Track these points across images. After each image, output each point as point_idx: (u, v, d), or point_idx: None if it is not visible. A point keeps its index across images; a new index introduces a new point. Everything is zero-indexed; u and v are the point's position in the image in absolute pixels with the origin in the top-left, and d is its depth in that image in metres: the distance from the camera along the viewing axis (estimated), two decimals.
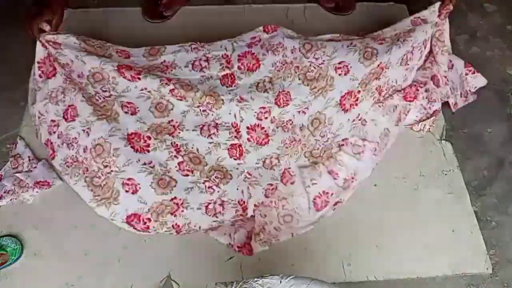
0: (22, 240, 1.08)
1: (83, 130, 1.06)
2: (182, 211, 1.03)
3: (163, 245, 1.09)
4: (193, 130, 1.08)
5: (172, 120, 1.09)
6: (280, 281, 0.73)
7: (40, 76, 1.13)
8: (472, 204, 1.17)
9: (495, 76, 1.42)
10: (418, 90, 1.18)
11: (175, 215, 1.03)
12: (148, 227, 1.03)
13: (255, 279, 0.73)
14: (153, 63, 1.15)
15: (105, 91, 1.09)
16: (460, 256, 1.09)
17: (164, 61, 1.15)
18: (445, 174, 1.21)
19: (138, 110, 1.09)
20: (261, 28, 1.18)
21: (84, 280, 1.04)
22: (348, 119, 1.14)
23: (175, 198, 1.03)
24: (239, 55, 1.14)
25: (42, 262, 1.06)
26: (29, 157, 1.20)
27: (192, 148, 1.08)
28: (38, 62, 1.12)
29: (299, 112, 1.12)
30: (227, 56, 1.14)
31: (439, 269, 1.07)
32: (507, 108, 1.36)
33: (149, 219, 1.02)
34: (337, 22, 1.55)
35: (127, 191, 1.02)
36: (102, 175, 1.04)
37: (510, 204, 1.19)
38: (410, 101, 1.17)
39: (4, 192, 1.13)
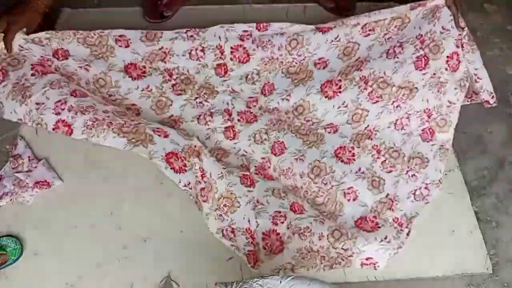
0: (22, 240, 1.08)
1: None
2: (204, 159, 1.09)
3: (163, 245, 1.09)
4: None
5: (162, 47, 1.23)
6: (280, 281, 0.73)
7: (33, 75, 1.11)
8: (472, 204, 1.17)
9: (495, 76, 1.41)
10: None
11: (201, 160, 1.08)
12: (185, 165, 1.05)
13: (255, 279, 0.73)
14: (151, 48, 1.23)
15: (111, 95, 1.21)
16: (460, 256, 1.09)
17: (162, 47, 1.23)
18: (445, 174, 1.21)
19: (141, 110, 1.23)
20: (254, 24, 1.24)
21: (84, 280, 1.04)
22: (333, 106, 1.21)
23: (195, 145, 1.11)
24: (231, 47, 1.25)
25: (42, 262, 1.06)
26: (29, 157, 1.20)
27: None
28: (32, 65, 1.13)
29: (282, 99, 1.25)
30: (221, 46, 1.24)
31: (439, 269, 1.07)
32: (507, 108, 1.36)
33: (184, 157, 1.05)
34: None
35: (159, 136, 1.07)
36: (131, 125, 1.06)
37: (510, 204, 1.19)
38: None
39: (4, 193, 1.13)
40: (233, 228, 1.06)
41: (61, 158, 1.22)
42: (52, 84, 1.09)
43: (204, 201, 1.05)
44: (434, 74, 1.17)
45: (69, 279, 1.04)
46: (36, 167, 1.18)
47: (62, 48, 1.18)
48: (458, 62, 1.17)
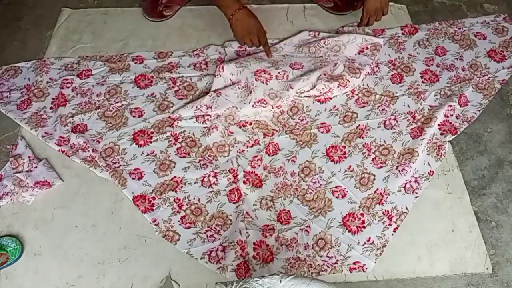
0: (22, 240, 1.08)
1: (93, 140, 1.24)
2: (182, 187, 1.16)
3: (163, 245, 1.09)
4: (190, 119, 1.29)
5: (171, 116, 1.30)
6: (280, 281, 0.73)
7: (51, 108, 1.30)
8: (472, 204, 1.17)
9: None
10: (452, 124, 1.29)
11: (175, 191, 1.16)
12: (153, 205, 1.13)
13: (255, 279, 0.73)
14: (161, 64, 1.42)
15: (118, 102, 1.32)
16: (460, 256, 1.09)
17: (171, 62, 1.43)
18: (445, 174, 1.21)
19: (144, 113, 1.30)
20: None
21: (84, 280, 1.04)
22: (325, 108, 1.32)
23: (174, 177, 1.18)
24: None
25: (42, 262, 1.06)
26: (29, 157, 1.20)
27: (189, 133, 1.27)
28: (52, 99, 1.32)
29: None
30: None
31: (439, 269, 1.07)
32: (507, 108, 1.36)
33: (154, 198, 1.15)
34: (336, 22, 1.55)
35: (133, 178, 1.18)
36: (111, 168, 1.19)
37: (510, 204, 1.19)
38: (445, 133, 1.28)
39: (4, 193, 1.13)
40: (224, 247, 1.07)
41: (61, 158, 1.22)
42: (61, 120, 1.27)
43: (189, 228, 1.11)
44: (411, 85, 1.38)
45: (69, 279, 1.04)
46: (36, 167, 1.18)
47: (86, 69, 1.39)
48: (434, 75, 1.39)
